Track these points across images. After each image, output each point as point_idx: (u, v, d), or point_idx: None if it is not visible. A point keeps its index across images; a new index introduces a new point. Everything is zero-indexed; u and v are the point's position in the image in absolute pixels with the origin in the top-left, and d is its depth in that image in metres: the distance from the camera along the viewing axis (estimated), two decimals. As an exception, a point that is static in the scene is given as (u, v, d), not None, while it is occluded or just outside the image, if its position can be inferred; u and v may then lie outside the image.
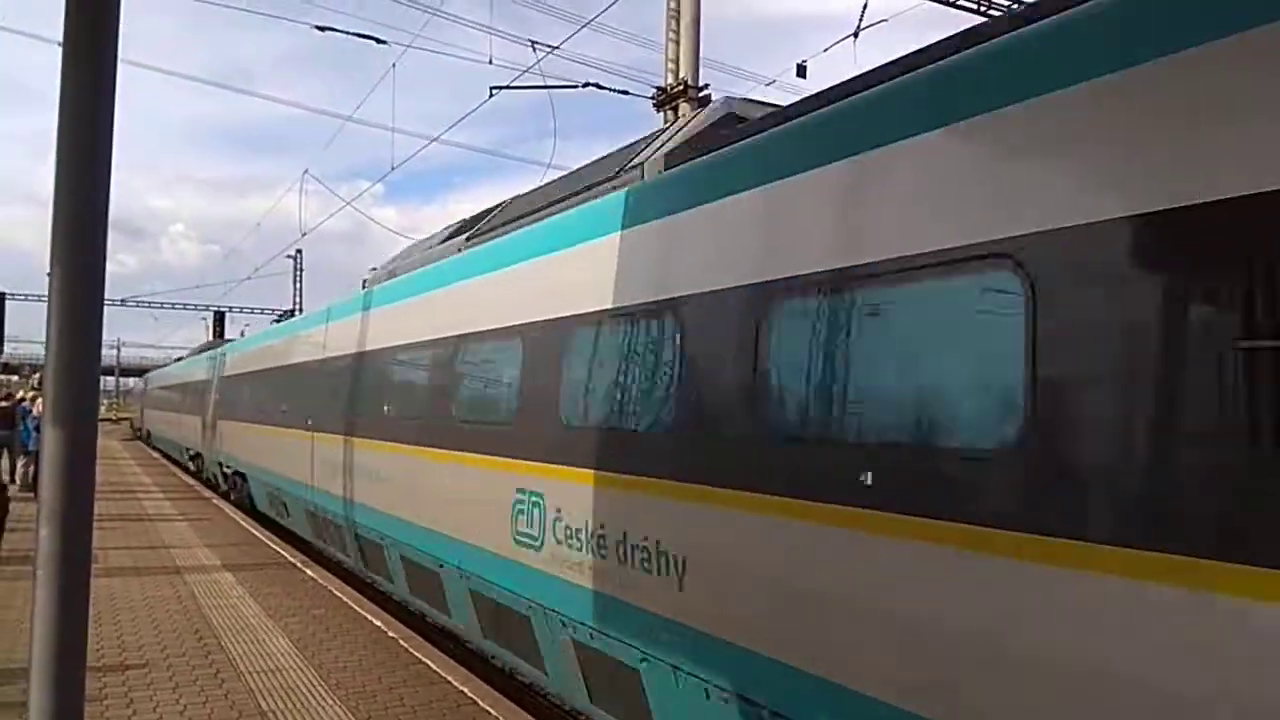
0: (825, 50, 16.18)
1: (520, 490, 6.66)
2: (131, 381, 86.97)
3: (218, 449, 21.64)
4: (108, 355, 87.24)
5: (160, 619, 9.30)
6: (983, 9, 18.17)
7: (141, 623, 9.10)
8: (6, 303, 13.22)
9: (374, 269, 12.78)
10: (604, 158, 7.57)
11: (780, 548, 4.43)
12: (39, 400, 20.05)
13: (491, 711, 6.81)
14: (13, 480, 18.85)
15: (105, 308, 2.83)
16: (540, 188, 8.71)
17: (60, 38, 2.59)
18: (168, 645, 8.33)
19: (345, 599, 10.60)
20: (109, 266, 2.83)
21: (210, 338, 52.64)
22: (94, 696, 6.65)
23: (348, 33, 16.36)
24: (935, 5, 17.11)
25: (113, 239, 2.78)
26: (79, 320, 2.65)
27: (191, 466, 27.99)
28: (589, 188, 7.04)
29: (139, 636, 8.57)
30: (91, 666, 7.00)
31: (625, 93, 17.99)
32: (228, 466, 20.34)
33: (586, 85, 17.71)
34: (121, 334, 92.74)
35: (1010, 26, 3.85)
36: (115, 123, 2.69)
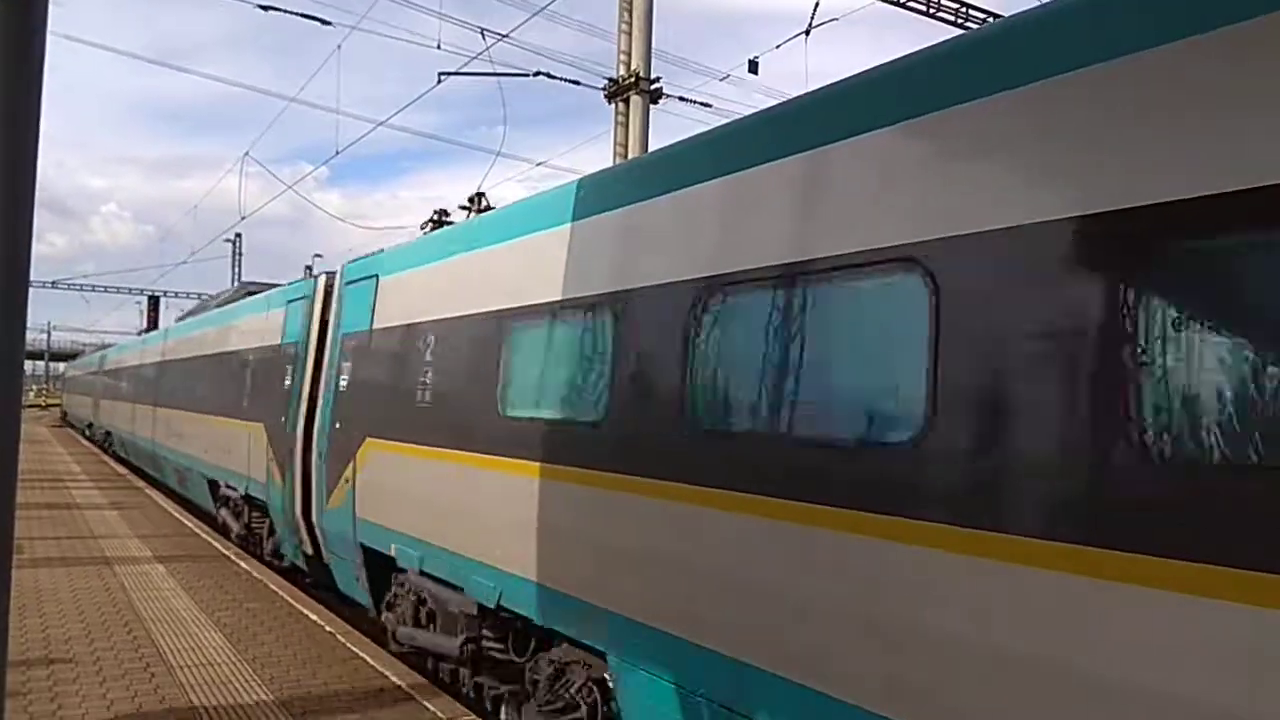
0: (777, 47, 16.31)
1: None
2: (62, 366, 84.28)
3: (395, 514, 8.32)
4: (37, 338, 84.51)
5: (88, 611, 9.03)
6: (930, 11, 18.42)
7: (68, 615, 8.82)
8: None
9: None
10: None
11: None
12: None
13: (429, 706, 6.73)
14: None
15: (34, 289, 2.72)
16: None
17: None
18: (95, 638, 8.08)
19: (280, 592, 10.40)
20: (37, 247, 2.71)
21: (145, 323, 51.03)
22: (16, 691, 6.42)
23: (292, 12, 16.02)
24: (886, 5, 17.30)
25: (41, 218, 2.66)
26: (2, 302, 2.53)
27: (233, 524, 14.23)
28: None
29: (65, 629, 8.31)
30: (14, 660, 6.80)
31: (576, 83, 17.92)
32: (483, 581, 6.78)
33: (537, 74, 17.61)
34: (51, 316, 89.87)
35: None
36: (44, 97, 2.57)
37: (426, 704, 6.78)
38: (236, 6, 15.53)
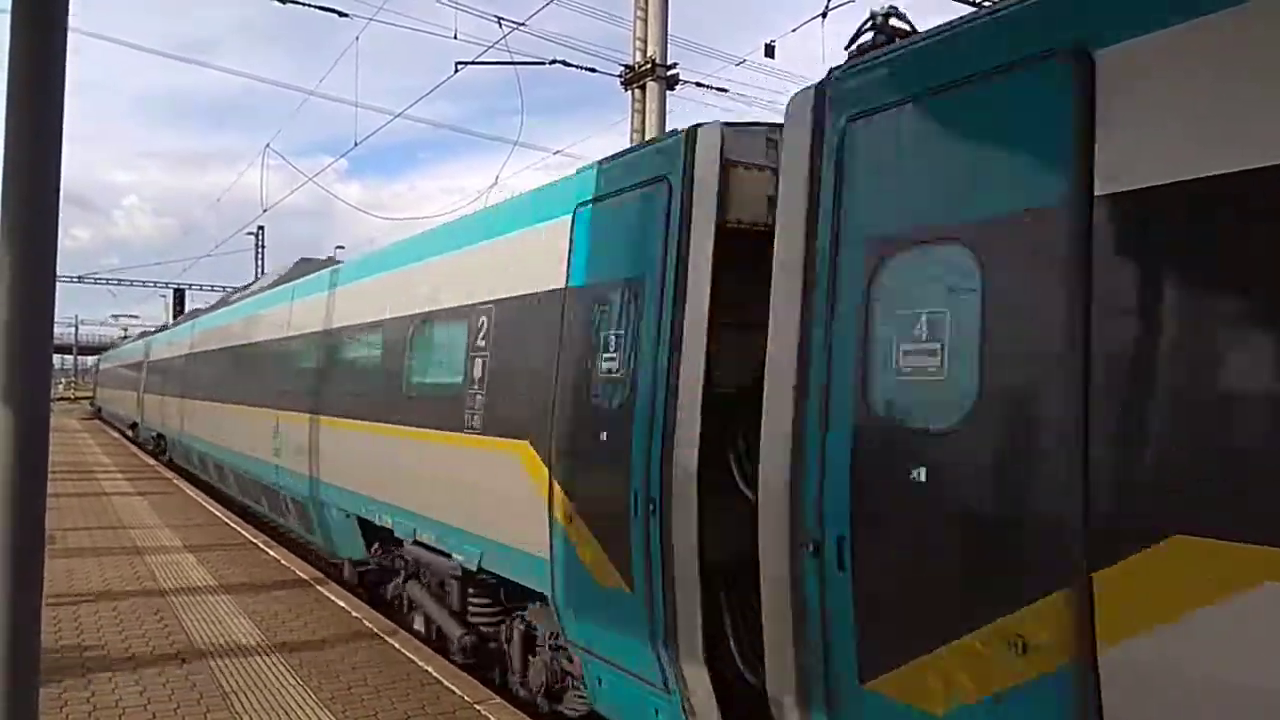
0: (794, 30, 16.19)
1: None
2: (90, 360, 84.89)
3: None
4: (65, 332, 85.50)
5: (119, 600, 9.18)
6: (949, -9, 18.20)
7: (100, 604, 8.99)
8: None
9: None
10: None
11: None
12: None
13: (455, 690, 6.82)
14: None
15: (60, 284, 2.78)
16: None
17: (7, 3, 2.51)
18: (127, 626, 8.23)
19: (309, 579, 10.54)
20: (62, 240, 2.77)
21: (170, 316, 51.01)
22: (51, 679, 6.56)
23: (309, 4, 16.07)
24: (903, -14, 17.09)
25: (65, 212, 2.72)
26: (30, 296, 2.58)
27: None
28: None
29: (97, 618, 8.46)
30: (48, 648, 6.93)
31: (593, 70, 17.88)
32: None
33: (554, 62, 17.57)
34: (78, 310, 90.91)
35: None
36: (67, 93, 2.62)
37: (453, 687, 6.87)
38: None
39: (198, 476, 20.24)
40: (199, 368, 19.54)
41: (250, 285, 20.01)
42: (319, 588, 10.10)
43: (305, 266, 14.73)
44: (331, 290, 11.43)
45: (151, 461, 25.17)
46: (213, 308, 23.75)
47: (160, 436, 25.22)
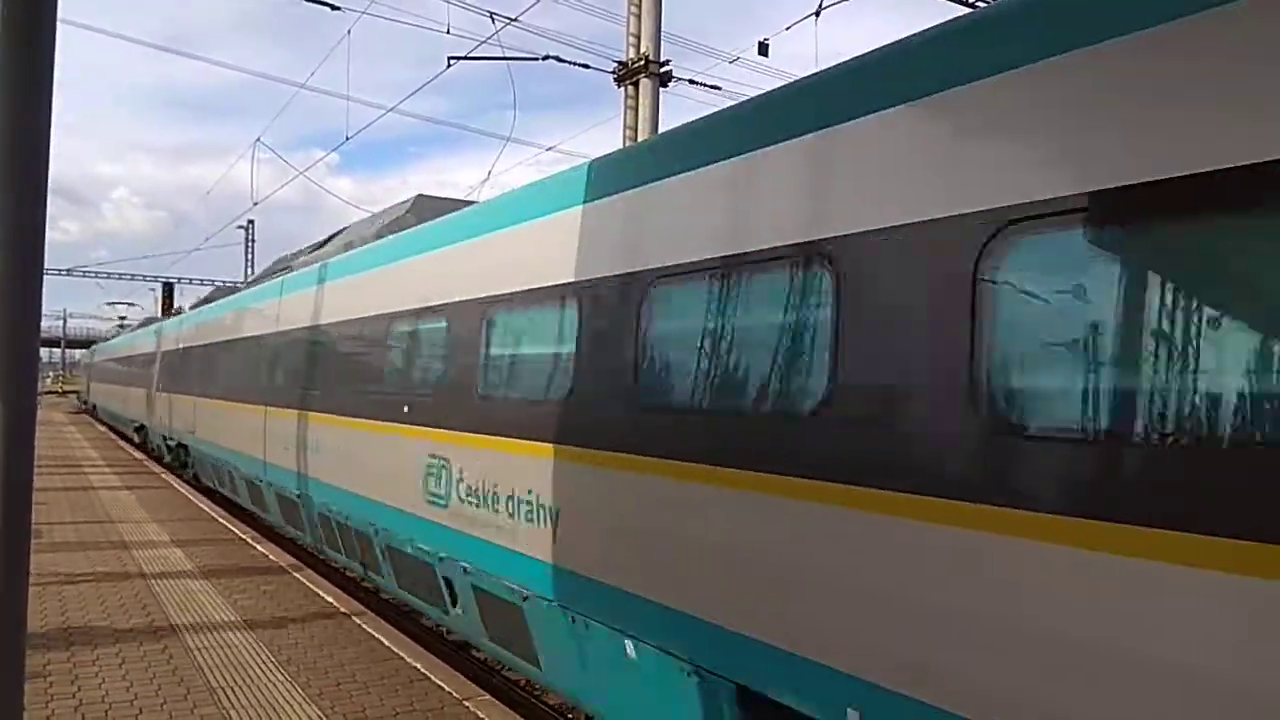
0: (787, 29, 16.18)
1: None
2: (78, 354, 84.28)
3: None
4: (53, 325, 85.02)
5: (106, 594, 9.14)
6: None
7: (87, 598, 8.94)
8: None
9: None
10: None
11: None
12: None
13: (444, 686, 6.81)
14: None
15: (49, 277, 2.76)
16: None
17: (-4, -6, 2.49)
18: (114, 621, 8.19)
19: (297, 575, 10.51)
20: (51, 234, 2.75)
21: (159, 310, 50.62)
22: (37, 674, 6.52)
23: (302, -2, 15.98)
24: (896, -15, 17.11)
25: (54, 204, 2.70)
26: (17, 288, 2.56)
27: None
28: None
29: (84, 612, 8.42)
30: (34, 643, 6.90)
31: (586, 66, 17.84)
32: None
33: (546, 58, 17.54)
34: (66, 304, 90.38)
35: None
36: (55, 84, 2.59)
37: (440, 683, 6.86)
38: (246, -8, 15.52)
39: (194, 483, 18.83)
40: (255, 361, 13.93)
41: (325, 243, 13.87)
42: (307, 583, 10.07)
43: (427, 204, 10.77)
44: (543, 219, 6.46)
45: (139, 455, 25.05)
46: (257, 280, 18.05)
47: (181, 447, 20.27)
